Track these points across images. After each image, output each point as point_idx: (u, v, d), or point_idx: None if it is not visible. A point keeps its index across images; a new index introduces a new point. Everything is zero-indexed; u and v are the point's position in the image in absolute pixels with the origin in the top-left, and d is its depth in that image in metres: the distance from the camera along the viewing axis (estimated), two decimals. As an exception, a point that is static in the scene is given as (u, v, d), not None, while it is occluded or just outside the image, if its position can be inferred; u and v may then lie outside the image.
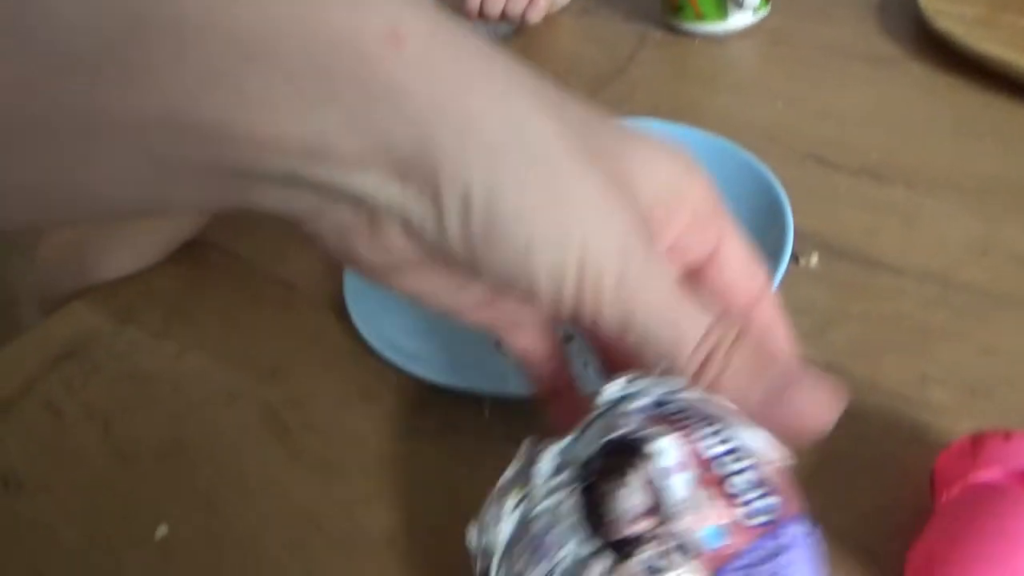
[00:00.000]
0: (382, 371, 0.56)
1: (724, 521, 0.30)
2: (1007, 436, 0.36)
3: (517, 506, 0.35)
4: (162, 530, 0.49)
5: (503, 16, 0.98)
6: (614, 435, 0.33)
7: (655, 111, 0.79)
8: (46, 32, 0.22)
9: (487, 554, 0.34)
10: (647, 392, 0.34)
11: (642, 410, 0.34)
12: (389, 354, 0.54)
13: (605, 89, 0.85)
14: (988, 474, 0.35)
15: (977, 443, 0.36)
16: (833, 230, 0.60)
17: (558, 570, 0.31)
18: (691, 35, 0.91)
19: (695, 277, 0.35)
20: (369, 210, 0.28)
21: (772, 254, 0.54)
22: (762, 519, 0.30)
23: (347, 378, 0.57)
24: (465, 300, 0.34)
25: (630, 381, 0.35)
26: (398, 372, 0.54)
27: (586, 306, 0.28)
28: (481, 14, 0.97)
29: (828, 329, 0.52)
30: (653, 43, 0.92)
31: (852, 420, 0.46)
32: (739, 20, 0.88)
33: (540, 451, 0.35)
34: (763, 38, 0.88)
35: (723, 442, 0.31)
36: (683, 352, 0.29)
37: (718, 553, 0.29)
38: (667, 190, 0.32)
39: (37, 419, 0.60)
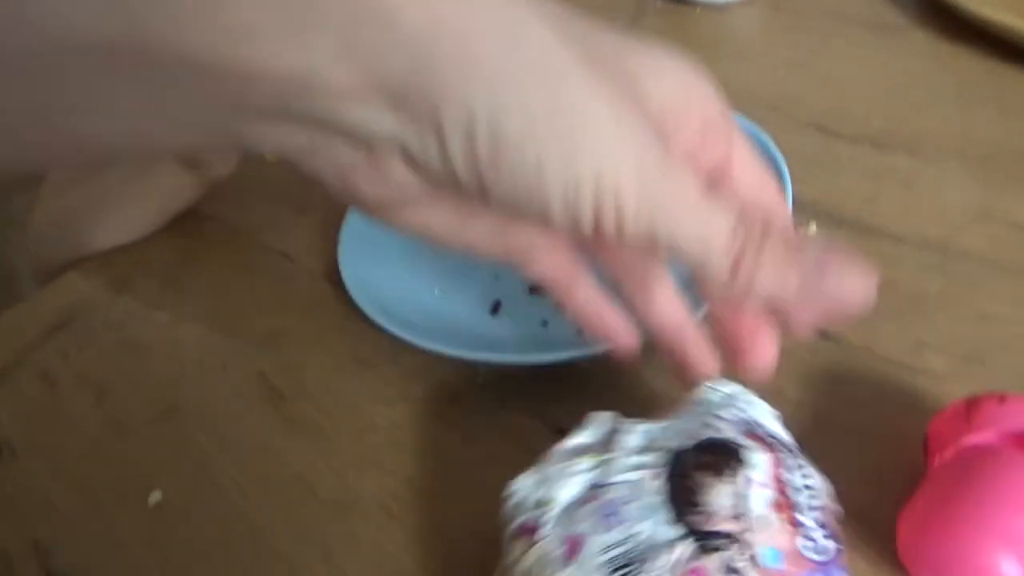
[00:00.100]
0: (377, 339, 0.56)
1: (787, 547, 0.32)
2: (1002, 399, 0.35)
3: (591, 470, 0.35)
4: (155, 496, 0.49)
5: None
6: (717, 436, 0.34)
7: (654, 79, 0.78)
8: None
9: (540, 505, 0.35)
10: (745, 407, 0.37)
11: (740, 422, 0.36)
12: (383, 322, 0.54)
13: (604, 58, 0.84)
14: (982, 437, 0.35)
15: (971, 406, 0.36)
16: (833, 198, 0.60)
17: (633, 541, 0.32)
18: (691, 3, 0.89)
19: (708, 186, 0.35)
20: (367, 144, 0.27)
21: (769, 221, 0.54)
22: (818, 557, 0.32)
23: (341, 346, 0.57)
24: (477, 231, 0.32)
25: (731, 392, 0.37)
26: (392, 340, 0.54)
27: (608, 223, 0.26)
28: None
29: (825, 296, 0.52)
30: (653, 11, 0.91)
31: (847, 386, 0.46)
32: (740, -13, 0.87)
33: (627, 428, 0.37)
34: (764, 5, 0.87)
35: (802, 477, 0.33)
36: (715, 253, 0.27)
37: (773, 573, 0.31)
38: (675, 98, 0.31)
39: (31, 388, 0.60)
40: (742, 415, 0.36)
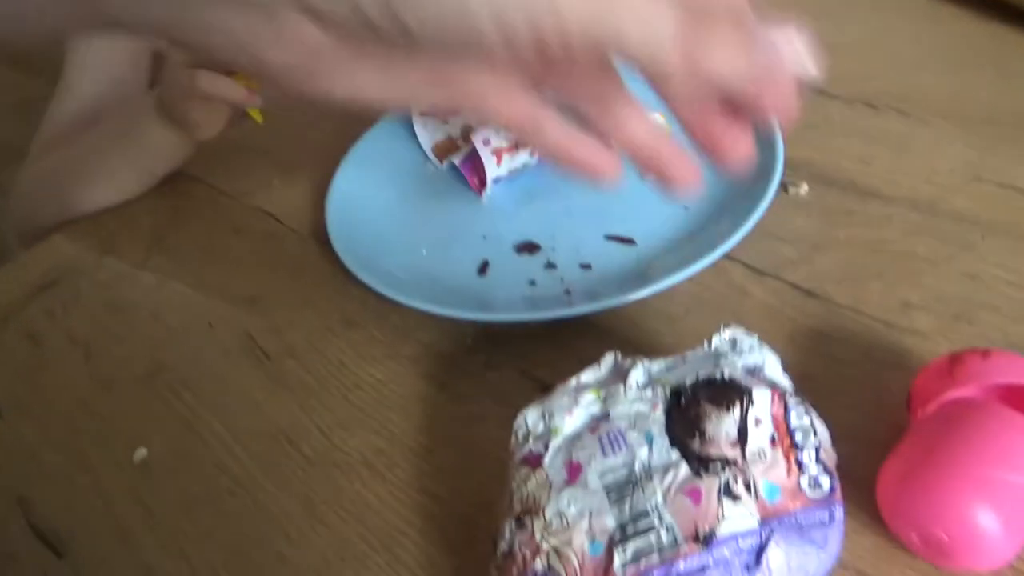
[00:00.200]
0: (364, 298, 0.55)
1: (785, 483, 0.32)
2: (985, 354, 0.35)
3: (595, 403, 0.37)
4: (141, 452, 0.49)
5: None
6: (722, 374, 0.35)
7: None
8: None
9: (545, 435, 0.36)
10: (749, 352, 0.37)
11: (743, 366, 0.37)
12: (371, 281, 0.54)
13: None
14: (965, 391, 0.35)
15: (955, 362, 0.36)
16: (825, 159, 0.59)
17: (632, 466, 0.33)
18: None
19: None
20: (262, 8, 0.24)
21: (761, 183, 0.53)
22: (816, 494, 0.32)
23: (329, 306, 0.57)
24: (413, 84, 0.29)
25: (735, 339, 0.38)
26: (380, 299, 0.53)
27: (547, 33, 0.24)
28: None
29: (814, 256, 0.51)
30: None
31: (834, 345, 0.46)
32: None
33: (631, 365, 0.38)
34: (761, -32, 0.85)
35: (801, 417, 0.34)
36: (664, 41, 0.26)
37: (771, 506, 0.32)
38: None
39: (18, 348, 0.60)
40: (746, 360, 0.37)
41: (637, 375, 0.37)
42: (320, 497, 0.44)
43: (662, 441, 0.33)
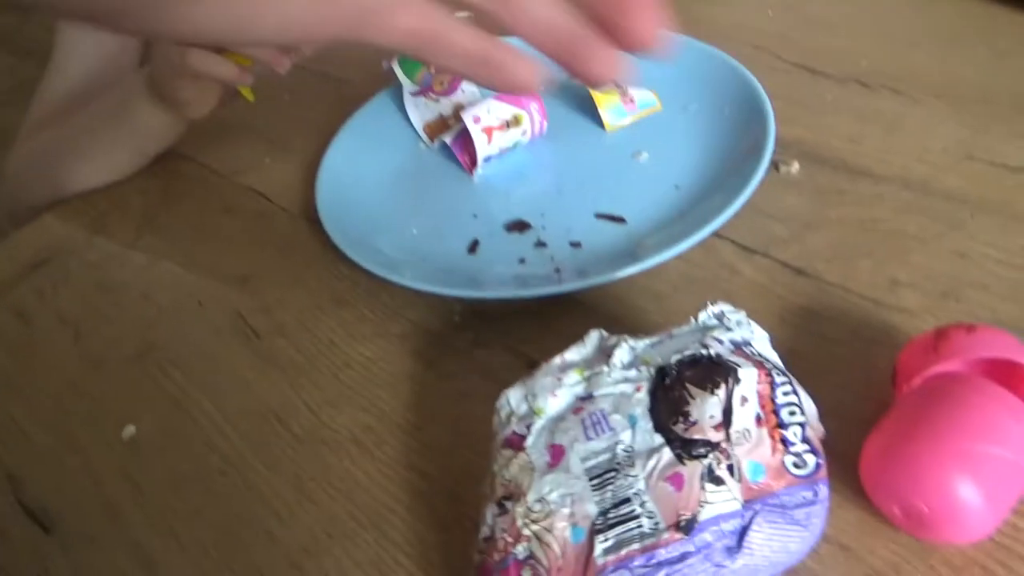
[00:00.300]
0: (354, 277, 0.55)
1: (770, 462, 0.32)
2: (970, 329, 0.35)
3: (579, 383, 0.36)
4: (129, 430, 0.49)
5: None
6: (709, 352, 0.35)
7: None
8: None
9: (528, 416, 0.36)
10: (736, 328, 0.37)
11: (730, 342, 0.36)
12: (361, 260, 0.53)
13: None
14: (949, 365, 0.35)
15: (940, 336, 0.36)
16: (817, 138, 0.59)
17: (615, 449, 0.33)
18: (682, -57, 0.87)
19: None
20: None
21: (752, 162, 0.53)
22: (801, 472, 0.32)
23: (319, 284, 0.56)
24: (284, 13, 0.26)
25: (722, 314, 0.38)
26: (370, 278, 0.53)
27: None
28: None
29: (805, 235, 0.51)
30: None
31: (822, 323, 0.46)
32: (732, -74, 0.84)
33: (615, 343, 0.37)
34: (756, -54, 0.85)
35: (787, 394, 0.34)
36: None
37: (754, 487, 0.32)
38: None
39: (7, 327, 0.60)
40: (733, 336, 0.37)
41: (622, 354, 0.36)
42: (309, 475, 0.44)
43: (645, 424, 0.33)
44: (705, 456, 0.32)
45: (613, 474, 0.32)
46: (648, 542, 0.30)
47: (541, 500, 0.32)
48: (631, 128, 0.63)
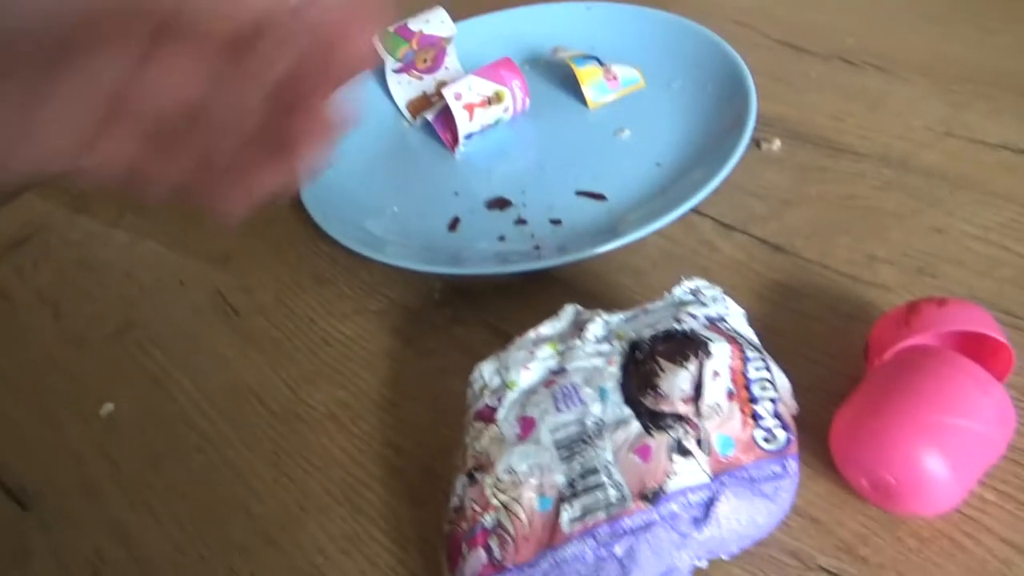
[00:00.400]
0: (334, 255, 0.55)
1: (740, 436, 0.33)
2: (941, 302, 0.35)
3: (552, 357, 0.36)
4: (107, 407, 0.49)
5: None
6: (682, 326, 0.35)
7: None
8: None
9: (500, 389, 0.36)
10: (711, 303, 0.37)
11: (704, 317, 0.36)
12: (340, 238, 0.53)
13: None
14: (920, 339, 0.35)
15: (911, 310, 0.36)
16: (799, 115, 0.59)
17: (589, 419, 0.33)
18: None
19: None
20: None
21: (732, 139, 0.53)
22: (771, 447, 0.32)
23: (298, 262, 0.56)
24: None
25: (697, 289, 0.38)
26: (350, 256, 0.53)
27: None
28: None
29: (784, 212, 0.51)
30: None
31: (799, 299, 0.46)
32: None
33: (590, 318, 0.37)
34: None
35: (759, 370, 0.34)
36: None
37: (723, 460, 0.32)
38: None
39: (-12, 305, 0.59)
40: (707, 310, 0.37)
41: (595, 328, 0.36)
42: (285, 451, 0.44)
43: (615, 397, 0.33)
44: (673, 428, 0.32)
45: (582, 445, 0.32)
46: (614, 511, 0.30)
47: (510, 471, 0.32)
48: (614, 105, 0.63)
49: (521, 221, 0.54)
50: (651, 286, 0.48)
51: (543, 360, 0.36)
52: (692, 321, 0.36)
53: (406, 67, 0.67)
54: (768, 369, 0.35)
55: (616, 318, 0.37)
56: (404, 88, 0.67)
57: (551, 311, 0.40)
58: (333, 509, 0.41)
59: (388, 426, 0.45)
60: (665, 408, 0.32)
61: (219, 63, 0.24)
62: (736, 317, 0.38)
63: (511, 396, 0.35)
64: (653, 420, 0.32)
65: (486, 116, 0.60)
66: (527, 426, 0.34)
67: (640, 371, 0.34)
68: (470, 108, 0.59)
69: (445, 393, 0.45)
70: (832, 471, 0.36)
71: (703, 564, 0.33)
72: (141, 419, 0.48)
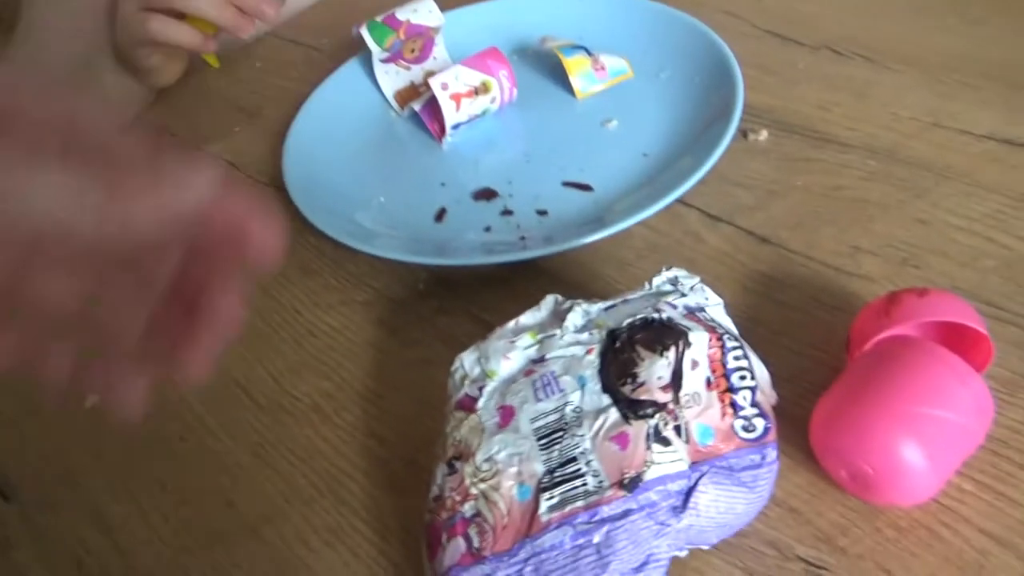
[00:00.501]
0: (320, 246, 0.55)
1: (719, 425, 0.33)
2: (922, 293, 0.35)
3: (532, 346, 0.36)
4: (92, 398, 0.49)
5: None
6: (661, 315, 0.35)
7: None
8: None
9: (478, 380, 0.36)
10: (691, 293, 0.37)
11: (683, 306, 0.36)
12: (327, 229, 0.53)
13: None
14: (901, 329, 0.35)
15: (892, 301, 0.36)
16: (787, 105, 0.58)
17: (569, 408, 0.33)
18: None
19: None
20: None
21: (719, 129, 0.53)
22: (750, 435, 0.33)
23: (285, 253, 0.56)
24: None
25: (676, 279, 0.38)
26: (336, 247, 0.53)
27: None
28: None
29: (770, 203, 0.51)
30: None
31: (783, 290, 0.46)
32: None
33: (569, 307, 0.38)
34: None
35: (738, 359, 0.34)
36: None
37: (702, 449, 0.32)
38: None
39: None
40: (687, 301, 0.37)
41: (575, 318, 0.36)
42: (269, 442, 0.44)
43: (594, 386, 0.33)
44: (651, 416, 0.32)
45: (561, 434, 0.32)
46: (592, 499, 0.30)
47: (489, 460, 0.32)
48: (602, 95, 0.63)
49: (507, 212, 0.54)
50: (636, 277, 0.48)
51: (523, 349, 0.36)
52: (671, 310, 0.36)
53: (394, 57, 0.67)
54: (747, 358, 0.35)
55: (596, 307, 0.37)
56: (392, 78, 0.67)
57: (536, 302, 0.40)
58: (316, 500, 0.41)
59: (372, 417, 0.44)
60: (643, 396, 0.32)
61: (107, 274, 0.25)
62: (715, 307, 0.38)
63: (491, 385, 0.35)
64: (631, 408, 0.32)
65: (473, 106, 0.60)
66: (507, 415, 0.34)
67: (618, 359, 0.34)
68: (457, 98, 0.59)
69: (429, 384, 0.45)
70: (812, 462, 0.36)
71: (683, 554, 0.33)
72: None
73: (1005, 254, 0.44)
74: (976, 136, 0.52)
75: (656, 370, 0.33)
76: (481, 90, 0.60)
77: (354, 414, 0.45)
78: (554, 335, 0.36)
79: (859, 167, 0.52)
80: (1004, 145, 0.51)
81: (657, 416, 0.32)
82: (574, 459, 0.31)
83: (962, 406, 0.32)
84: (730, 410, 0.33)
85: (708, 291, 0.38)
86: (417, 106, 0.63)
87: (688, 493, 0.31)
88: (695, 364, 0.34)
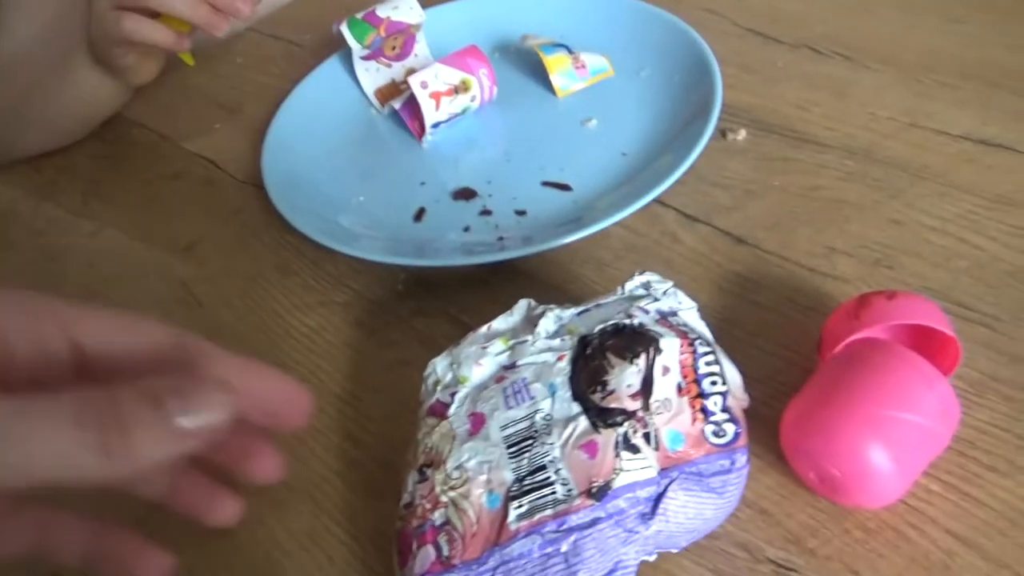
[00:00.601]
0: (300, 246, 0.55)
1: (690, 431, 0.33)
2: (891, 296, 0.36)
3: (504, 352, 0.36)
4: (68, 400, 0.49)
5: None
6: (632, 321, 0.35)
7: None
8: None
9: (450, 385, 0.36)
10: (663, 297, 0.37)
11: (656, 311, 0.36)
12: (306, 229, 0.53)
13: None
14: (871, 332, 0.35)
15: (862, 304, 0.36)
16: (766, 104, 0.59)
17: (539, 416, 0.33)
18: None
19: None
20: None
21: (697, 129, 0.53)
22: (720, 441, 0.33)
23: (264, 253, 0.56)
24: None
25: (648, 283, 0.38)
26: (315, 247, 0.53)
27: None
28: None
29: (747, 203, 0.51)
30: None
31: (757, 291, 0.46)
32: None
33: (541, 313, 0.37)
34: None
35: (710, 364, 0.34)
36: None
37: (672, 455, 0.32)
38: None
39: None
40: (659, 305, 0.37)
41: (547, 323, 0.36)
42: (246, 443, 0.44)
43: (564, 393, 0.33)
44: (620, 425, 0.32)
45: (530, 442, 0.32)
46: (560, 508, 0.31)
47: (460, 467, 0.32)
48: (582, 94, 0.62)
49: (486, 212, 0.54)
50: (613, 278, 0.48)
51: (495, 355, 0.36)
52: (643, 316, 0.36)
53: (374, 54, 0.67)
54: (719, 363, 0.35)
55: (568, 312, 0.37)
56: (372, 75, 0.67)
57: (513, 303, 0.40)
58: (291, 503, 0.41)
59: (348, 418, 0.45)
60: (613, 404, 0.32)
61: None
62: (688, 311, 0.38)
63: (463, 392, 0.35)
64: (601, 416, 0.32)
65: (453, 105, 0.60)
66: (477, 422, 0.34)
67: (589, 367, 0.34)
68: (437, 97, 0.59)
69: (407, 385, 0.45)
70: (783, 463, 0.36)
71: (652, 558, 0.33)
72: (102, 412, 0.48)
73: (977, 255, 0.45)
74: (952, 136, 0.52)
75: (626, 378, 0.33)
76: (461, 88, 0.60)
77: (331, 416, 0.45)
78: (526, 341, 0.36)
79: (836, 167, 0.52)
80: (979, 145, 0.51)
81: (626, 424, 0.32)
82: (543, 467, 0.32)
83: (928, 410, 0.32)
84: (700, 415, 0.33)
85: (681, 295, 0.38)
86: (397, 104, 0.63)
87: (657, 499, 0.31)
88: (666, 370, 0.34)
